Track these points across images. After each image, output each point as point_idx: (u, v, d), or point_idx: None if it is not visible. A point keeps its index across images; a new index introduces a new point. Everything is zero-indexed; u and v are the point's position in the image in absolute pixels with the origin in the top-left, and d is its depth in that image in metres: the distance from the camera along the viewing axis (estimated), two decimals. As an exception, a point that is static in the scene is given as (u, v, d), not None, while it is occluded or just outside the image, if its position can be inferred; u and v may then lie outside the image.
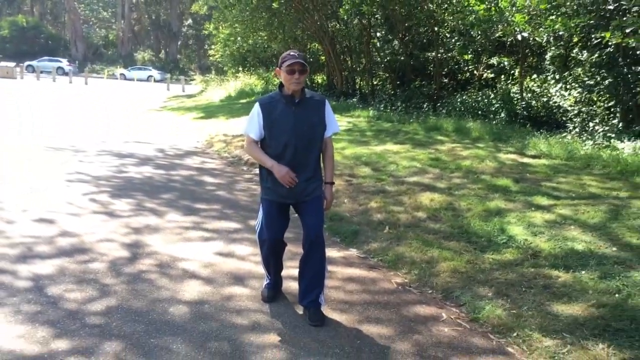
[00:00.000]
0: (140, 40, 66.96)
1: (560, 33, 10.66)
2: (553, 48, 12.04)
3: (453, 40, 15.36)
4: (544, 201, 6.06)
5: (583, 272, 4.24)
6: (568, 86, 11.59)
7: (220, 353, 3.09)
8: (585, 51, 10.63)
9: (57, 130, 12.12)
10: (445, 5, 14.35)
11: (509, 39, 12.55)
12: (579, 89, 11.00)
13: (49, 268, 4.12)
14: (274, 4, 16.50)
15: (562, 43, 11.67)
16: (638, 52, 9.18)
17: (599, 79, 10.21)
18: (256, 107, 3.52)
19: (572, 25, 9.73)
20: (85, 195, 6.40)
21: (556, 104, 11.72)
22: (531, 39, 11.75)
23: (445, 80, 16.41)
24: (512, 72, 14.09)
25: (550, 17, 10.19)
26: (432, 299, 4.07)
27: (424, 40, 16.86)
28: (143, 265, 4.33)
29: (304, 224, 3.59)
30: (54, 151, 9.25)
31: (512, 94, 12.89)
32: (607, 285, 3.98)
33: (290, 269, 4.14)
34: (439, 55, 15.50)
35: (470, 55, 15.14)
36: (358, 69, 19.88)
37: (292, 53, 3.43)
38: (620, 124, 9.74)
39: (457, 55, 15.35)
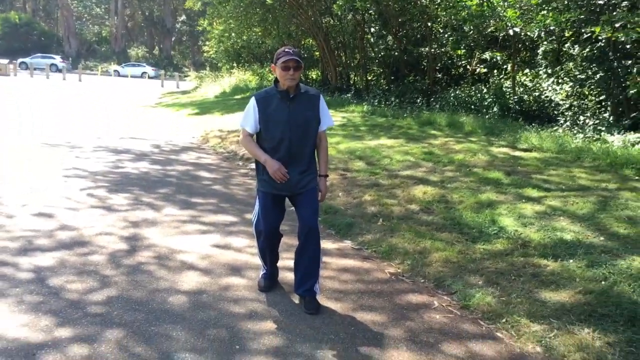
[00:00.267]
0: (133, 36, 66.77)
1: (552, 28, 10.77)
2: (545, 43, 12.16)
3: (446, 36, 15.49)
4: (534, 193, 6.18)
5: (571, 260, 4.36)
6: (560, 80, 11.73)
7: (219, 340, 3.19)
8: (576, 46, 10.76)
9: (53, 126, 12.16)
10: (438, 1, 14.44)
11: (502, 34, 12.67)
12: (571, 83, 11.14)
13: (49, 260, 4.21)
14: (268, 0, 16.54)
15: (554, 38, 11.79)
16: (628, 47, 9.31)
17: (590, 73, 10.35)
18: (252, 102, 3.62)
19: (563, 20, 9.85)
20: (82, 190, 6.48)
21: (548, 98, 11.86)
22: (523, 34, 11.86)
23: (439, 75, 16.52)
24: (505, 66, 14.22)
25: (542, 12, 10.31)
26: (424, 288, 4.18)
27: (418, 36, 16.98)
28: (142, 258, 4.42)
29: (299, 215, 3.69)
30: (50, 147, 9.31)
31: (504, 89, 13.02)
32: (594, 273, 4.10)
33: (286, 260, 4.24)
34: (433, 50, 15.61)
35: (463, 51, 15.27)
36: (352, 64, 19.97)
37: (286, 50, 3.52)
38: (611, 118, 9.88)
39: (450, 51, 15.48)
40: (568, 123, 10.47)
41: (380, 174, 7.33)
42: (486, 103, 12.73)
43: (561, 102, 11.36)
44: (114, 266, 4.20)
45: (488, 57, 14.60)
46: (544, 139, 9.02)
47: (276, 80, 3.63)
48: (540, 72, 12.76)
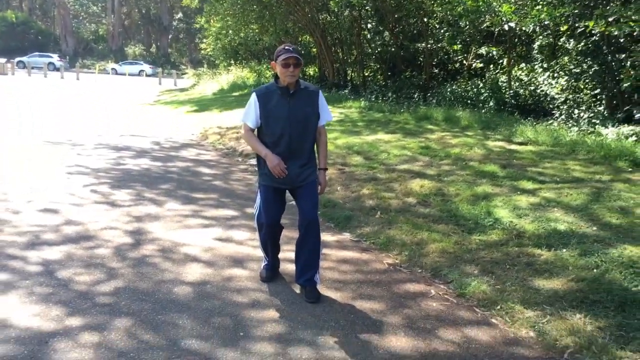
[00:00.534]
0: (130, 34, 66.78)
1: (547, 22, 10.89)
2: (541, 37, 12.27)
3: (442, 31, 15.59)
4: (529, 185, 6.31)
5: (564, 250, 4.49)
6: (555, 74, 11.84)
7: (224, 327, 3.31)
8: (572, 40, 10.87)
9: (53, 125, 12.26)
10: (434, -4, 14.56)
11: (497, 29, 12.77)
12: (566, 77, 11.26)
13: (57, 254, 4.33)
14: (265, -3, 16.66)
15: (550, 32, 11.90)
16: (621, 40, 9.42)
17: (585, 67, 10.47)
18: (253, 97, 3.73)
19: (558, 14, 9.96)
20: (85, 186, 6.59)
21: (543, 92, 11.98)
22: (518, 28, 11.97)
23: (435, 71, 16.63)
24: (501, 61, 14.34)
25: (536, 7, 10.43)
26: (421, 278, 4.30)
27: (414, 31, 17.08)
28: (146, 251, 4.54)
29: (300, 207, 3.81)
30: (51, 145, 9.41)
31: (500, 83, 13.14)
32: (586, 262, 4.22)
33: (286, 252, 4.35)
34: (429, 45, 15.71)
35: (459, 46, 15.38)
36: (349, 60, 20.07)
37: (286, 47, 3.63)
38: (605, 111, 10.01)
39: (447, 46, 15.58)
40: (563, 116, 10.59)
41: (378, 168, 7.45)
42: (482, 98, 12.85)
43: (556, 96, 11.48)
44: (119, 259, 4.32)
45: (484, 52, 14.71)
46: (540, 133, 9.14)
47: (276, 77, 3.74)
48: (536, 67, 12.88)
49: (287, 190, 3.89)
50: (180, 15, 61.62)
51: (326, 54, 19.05)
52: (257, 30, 20.69)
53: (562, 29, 11.01)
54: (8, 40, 52.80)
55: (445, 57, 16.61)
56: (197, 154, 9.64)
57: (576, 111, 10.57)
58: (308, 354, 3.06)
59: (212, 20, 22.36)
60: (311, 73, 22.60)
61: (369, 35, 18.51)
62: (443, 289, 4.08)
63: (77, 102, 18.65)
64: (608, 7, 8.40)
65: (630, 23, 7.75)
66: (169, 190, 6.67)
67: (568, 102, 11.06)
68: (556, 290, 3.84)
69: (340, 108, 14.01)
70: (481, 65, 14.97)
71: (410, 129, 10.65)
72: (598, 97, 10.53)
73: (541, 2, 10.43)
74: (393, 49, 17.19)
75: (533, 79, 12.71)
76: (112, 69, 47.35)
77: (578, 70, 10.68)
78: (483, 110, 12.03)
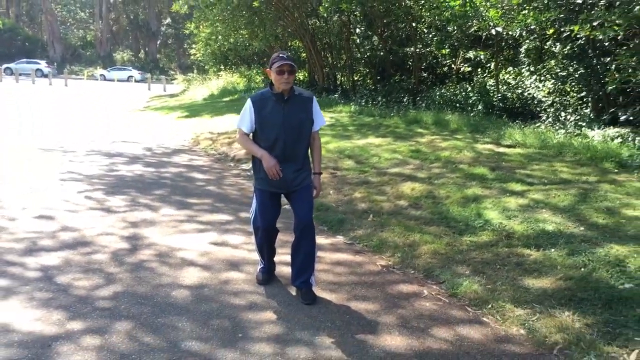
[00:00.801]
0: (118, 40, 66.59)
1: (533, 27, 11.06)
2: (528, 41, 12.45)
3: (430, 36, 15.75)
4: (518, 187, 6.43)
5: (553, 250, 4.60)
6: (542, 78, 12.01)
7: (222, 329, 3.39)
8: (557, 44, 11.04)
9: (44, 131, 12.26)
10: (422, 2, 14.70)
11: (484, 34, 12.94)
12: (553, 80, 11.43)
13: (55, 260, 4.38)
14: (254, 3, 16.71)
15: (537, 36, 12.08)
16: (606, 44, 9.60)
17: (571, 70, 10.64)
18: (248, 103, 3.82)
19: (543, 19, 10.13)
20: (80, 193, 6.63)
21: (531, 95, 12.14)
22: (505, 33, 12.14)
23: (424, 75, 16.78)
24: (488, 65, 14.51)
25: (523, 12, 10.59)
26: (414, 278, 4.40)
27: (403, 36, 17.24)
28: (143, 256, 4.60)
29: (295, 211, 3.89)
30: (43, 152, 9.43)
31: (488, 87, 13.29)
32: (574, 261, 4.34)
33: (282, 255, 4.43)
34: (418, 50, 15.87)
35: (447, 50, 15.54)
36: (339, 65, 20.19)
37: (281, 55, 3.73)
38: (591, 113, 10.17)
39: (435, 50, 15.74)
40: (550, 119, 10.75)
41: (370, 172, 7.55)
42: (471, 101, 13.01)
43: (543, 99, 11.65)
44: (117, 264, 4.38)
45: (472, 56, 14.88)
46: (527, 135, 9.29)
47: (271, 84, 3.82)
48: (523, 70, 13.05)
49: (282, 195, 3.98)
50: (168, 20, 61.58)
51: (316, 59, 19.16)
52: (246, 36, 20.76)
53: (548, 32, 11.19)
54: (-5, 47, 52.55)
55: (434, 61, 16.78)
56: (190, 159, 9.69)
57: (563, 114, 10.74)
58: (306, 353, 3.14)
59: (201, 26, 22.40)
60: (301, 78, 22.69)
61: (358, 40, 18.65)
62: (435, 289, 4.18)
63: (67, 109, 18.62)
64: (593, 12, 8.56)
65: (615, 27, 7.91)
66: (163, 196, 6.73)
67: (555, 104, 11.23)
68: (545, 289, 3.95)
69: (330, 112, 14.12)
70: (469, 69, 15.14)
71: (401, 132, 10.77)
72: (584, 99, 10.70)
73: (527, 7, 10.60)
74: (382, 54, 17.33)
75: (520, 83, 12.88)
76: (101, 75, 47.25)
77: (564, 74, 10.85)
78: (472, 114, 12.17)
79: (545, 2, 10.20)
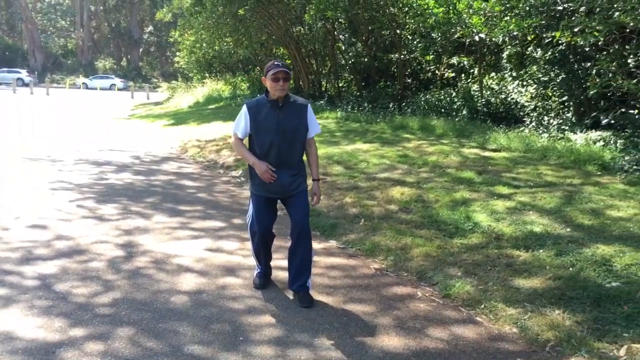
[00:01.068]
0: (100, 48, 66.15)
1: (515, 33, 11.26)
2: (509, 47, 12.67)
3: (415, 42, 15.93)
4: (505, 190, 6.57)
5: (541, 250, 4.73)
6: (524, 83, 12.23)
7: (223, 333, 3.44)
8: (539, 49, 11.26)
9: (30, 141, 12.20)
10: (406, 9, 14.87)
11: (468, 40, 13.13)
12: (535, 85, 11.64)
13: (52, 268, 4.40)
14: (240, 11, 16.78)
15: (518, 42, 12.30)
16: (587, 50, 9.82)
17: (552, 75, 10.85)
18: (244, 109, 3.91)
19: (525, 25, 10.34)
20: (71, 202, 6.64)
21: (514, 100, 12.35)
22: (488, 39, 12.34)
23: (409, 81, 16.95)
24: (472, 71, 14.70)
25: (505, 19, 10.79)
26: (407, 281, 4.50)
27: (387, 43, 17.40)
28: (139, 263, 4.64)
29: (292, 216, 3.97)
30: (31, 161, 9.39)
31: (472, 92, 13.47)
32: (562, 261, 4.47)
33: (277, 260, 4.50)
34: (402, 56, 16.04)
35: (431, 56, 15.73)
36: (323, 71, 20.32)
37: (276, 63, 3.81)
38: (573, 117, 10.39)
39: (419, 56, 15.91)
40: (533, 123, 10.95)
41: (359, 177, 7.65)
42: (455, 106, 13.19)
43: (526, 104, 11.85)
44: (114, 271, 4.41)
45: (455, 62, 15.08)
46: (512, 139, 9.47)
47: (266, 91, 3.90)
48: (506, 76, 13.27)
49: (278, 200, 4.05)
50: (150, 28, 61.43)
51: (301, 66, 19.27)
52: (231, 44, 20.81)
53: (529, 38, 11.40)
54: (-26, 56, 51.97)
55: (418, 67, 16.95)
56: (179, 167, 9.72)
57: (546, 118, 10.94)
58: (307, 355, 3.21)
59: (186, 34, 22.41)
60: (286, 85, 22.75)
61: (343, 47, 18.79)
62: (429, 291, 4.27)
63: (51, 118, 18.50)
64: (573, 18, 8.75)
65: (595, 33, 8.11)
66: (154, 204, 6.76)
67: (537, 109, 11.43)
68: (535, 288, 4.06)
69: (317, 119, 14.02)
70: (453, 74, 15.33)
71: (388, 138, 10.90)
72: (566, 104, 10.92)
73: (509, 14, 10.80)
74: (366, 60, 17.49)
75: (503, 88, 13.09)
76: (83, 83, 46.94)
77: (546, 79, 11.06)
78: (457, 119, 12.34)
79: (527, 9, 10.41)
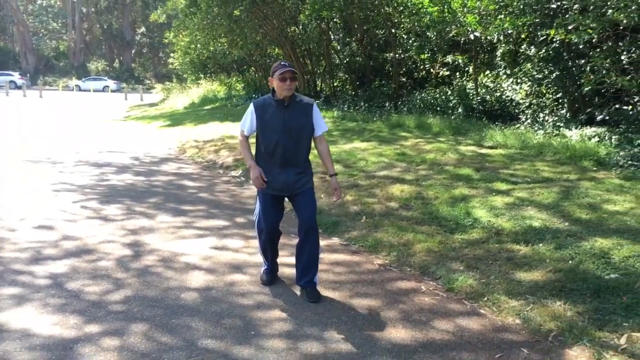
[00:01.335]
0: (92, 50, 66.00)
1: (509, 31, 11.39)
2: (503, 45, 12.79)
3: (410, 41, 16.04)
4: (503, 186, 6.68)
5: (540, 244, 4.84)
6: (519, 80, 12.36)
7: (235, 327, 3.53)
8: (533, 47, 11.39)
9: (28, 143, 12.22)
10: (401, 8, 14.98)
11: (462, 38, 13.25)
12: (529, 83, 11.78)
13: (62, 268, 4.47)
14: (235, 12, 16.84)
15: (511, 40, 12.42)
16: (580, 47, 9.95)
17: (546, 72, 10.98)
18: (251, 107, 4.00)
19: (520, 23, 10.46)
20: (75, 203, 6.70)
21: (509, 98, 12.48)
22: (482, 37, 12.46)
23: (404, 79, 17.06)
24: (467, 69, 14.84)
25: (499, 17, 10.91)
26: (411, 275, 4.59)
27: (382, 42, 17.51)
28: (148, 261, 4.72)
29: (299, 215, 4.05)
30: (32, 164, 9.43)
31: (467, 90, 13.61)
32: (562, 254, 4.58)
33: (283, 257, 4.59)
34: (397, 55, 16.15)
35: (426, 55, 15.85)
36: (319, 71, 20.40)
37: (282, 63, 3.90)
38: (568, 114, 10.52)
39: (414, 55, 16.03)
40: (529, 120, 11.09)
41: (358, 175, 7.74)
42: (451, 104, 13.31)
43: (521, 101, 11.99)
44: (123, 270, 4.49)
45: (450, 61, 15.20)
46: (508, 137, 9.59)
47: (273, 91, 3.99)
48: (500, 73, 13.40)
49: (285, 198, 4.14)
50: (143, 29, 61.32)
51: (296, 66, 19.33)
52: (226, 45, 20.86)
53: (522, 36, 11.52)
54: (-34, 59, 51.73)
55: (413, 66, 17.07)
56: (178, 167, 9.78)
57: (541, 115, 11.08)
58: (317, 347, 3.30)
59: (180, 35, 22.42)
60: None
61: (337, 46, 18.88)
62: (432, 285, 4.37)
63: (46, 120, 18.51)
64: (567, 16, 8.87)
65: (589, 30, 8.23)
66: (157, 204, 6.83)
67: (532, 106, 11.56)
68: (536, 281, 4.17)
69: (313, 118, 14.24)
70: (448, 73, 15.46)
71: (385, 136, 11.00)
72: (560, 101, 11.05)
73: (504, 12, 10.92)
74: (361, 59, 17.58)
75: (498, 86, 13.22)
76: (76, 85, 46.82)
77: (540, 76, 11.19)
78: (452, 117, 12.47)
79: (521, 7, 10.54)
